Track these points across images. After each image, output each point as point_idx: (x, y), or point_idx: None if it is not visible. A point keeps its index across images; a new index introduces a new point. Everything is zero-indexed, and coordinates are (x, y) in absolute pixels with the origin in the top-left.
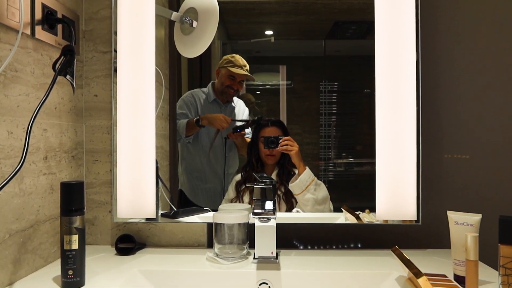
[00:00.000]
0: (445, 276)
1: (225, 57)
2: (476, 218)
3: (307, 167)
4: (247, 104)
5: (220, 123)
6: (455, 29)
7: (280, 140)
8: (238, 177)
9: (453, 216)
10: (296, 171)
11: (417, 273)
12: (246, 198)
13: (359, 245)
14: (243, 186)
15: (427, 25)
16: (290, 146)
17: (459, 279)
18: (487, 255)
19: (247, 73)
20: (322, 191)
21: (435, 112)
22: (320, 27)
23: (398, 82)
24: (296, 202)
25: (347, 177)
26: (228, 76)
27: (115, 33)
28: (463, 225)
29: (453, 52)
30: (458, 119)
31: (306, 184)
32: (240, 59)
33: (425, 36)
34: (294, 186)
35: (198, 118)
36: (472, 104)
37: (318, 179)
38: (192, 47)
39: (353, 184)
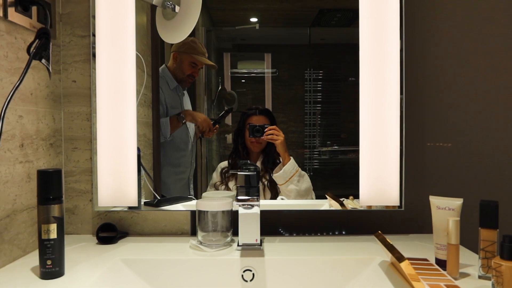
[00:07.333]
0: (426, 260)
1: (184, 40)
2: (457, 202)
3: (291, 158)
4: (231, 102)
5: (205, 126)
6: (440, 17)
7: (266, 129)
8: (224, 164)
9: (435, 201)
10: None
11: (400, 258)
12: (231, 184)
13: (344, 232)
14: (229, 173)
15: (411, 12)
16: (275, 136)
17: (441, 262)
18: (468, 239)
19: (210, 61)
20: (306, 182)
21: (418, 100)
22: (305, 15)
23: (382, 69)
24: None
25: (331, 165)
26: (190, 63)
27: (93, 16)
28: (445, 209)
29: (437, 40)
30: (440, 106)
31: (290, 175)
32: (200, 45)
33: (409, 24)
34: (278, 176)
35: (180, 114)
36: (455, 91)
37: (303, 167)
38: (175, 33)
39: (338, 172)
